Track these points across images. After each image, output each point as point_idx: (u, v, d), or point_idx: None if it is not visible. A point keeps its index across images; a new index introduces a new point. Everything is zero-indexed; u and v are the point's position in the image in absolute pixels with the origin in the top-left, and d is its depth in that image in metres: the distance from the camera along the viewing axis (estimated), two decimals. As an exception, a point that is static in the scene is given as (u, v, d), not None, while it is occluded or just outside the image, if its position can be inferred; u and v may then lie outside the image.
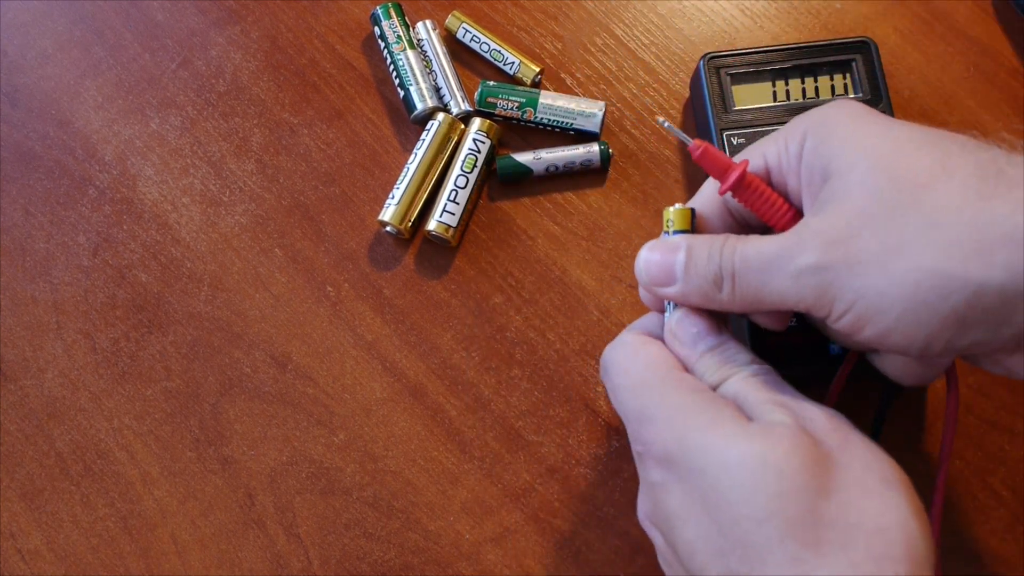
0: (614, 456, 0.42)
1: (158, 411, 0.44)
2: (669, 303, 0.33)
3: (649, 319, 0.34)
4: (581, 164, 0.45)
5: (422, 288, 0.45)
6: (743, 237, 0.30)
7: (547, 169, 0.45)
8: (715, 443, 0.27)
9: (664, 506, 0.29)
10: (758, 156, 0.32)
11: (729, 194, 0.32)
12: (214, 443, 0.43)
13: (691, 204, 0.34)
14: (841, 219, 0.28)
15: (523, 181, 0.46)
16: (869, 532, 0.25)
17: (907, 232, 0.26)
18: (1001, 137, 0.44)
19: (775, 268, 0.29)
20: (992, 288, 0.25)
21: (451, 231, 0.44)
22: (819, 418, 0.29)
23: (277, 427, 0.43)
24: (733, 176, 0.31)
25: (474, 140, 0.45)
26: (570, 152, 0.45)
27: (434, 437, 0.43)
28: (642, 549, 0.40)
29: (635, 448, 0.31)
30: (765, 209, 0.32)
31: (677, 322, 0.32)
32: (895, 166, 0.27)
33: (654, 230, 0.45)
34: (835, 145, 0.29)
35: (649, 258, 0.32)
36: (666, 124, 0.33)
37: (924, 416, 0.41)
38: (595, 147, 0.45)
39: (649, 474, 0.30)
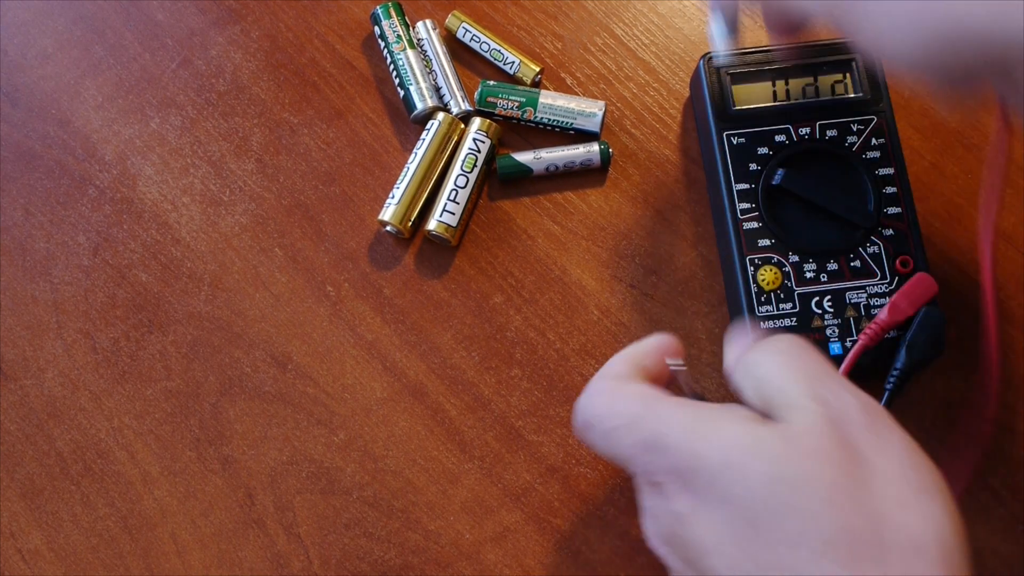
0: (614, 456, 0.42)
1: (158, 411, 0.44)
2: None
3: (616, 364, 0.32)
4: (581, 164, 0.45)
5: (422, 288, 0.45)
6: None
7: (547, 169, 0.45)
8: (736, 462, 0.26)
9: (687, 534, 0.27)
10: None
11: None
12: (214, 443, 0.43)
13: None
14: None
15: (523, 180, 0.46)
16: (906, 549, 0.25)
17: None
18: None
19: None
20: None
21: (451, 231, 0.44)
22: (852, 409, 0.27)
23: (277, 427, 0.43)
24: None
25: (474, 140, 0.45)
26: (570, 152, 0.45)
27: (434, 437, 0.43)
28: (642, 549, 0.40)
29: (652, 480, 0.29)
30: None
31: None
32: None
33: (654, 229, 0.45)
34: None
35: None
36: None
37: (924, 416, 0.41)
38: (595, 146, 0.45)
39: (672, 504, 0.28)
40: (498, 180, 0.46)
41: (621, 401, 0.30)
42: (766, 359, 0.29)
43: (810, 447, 0.26)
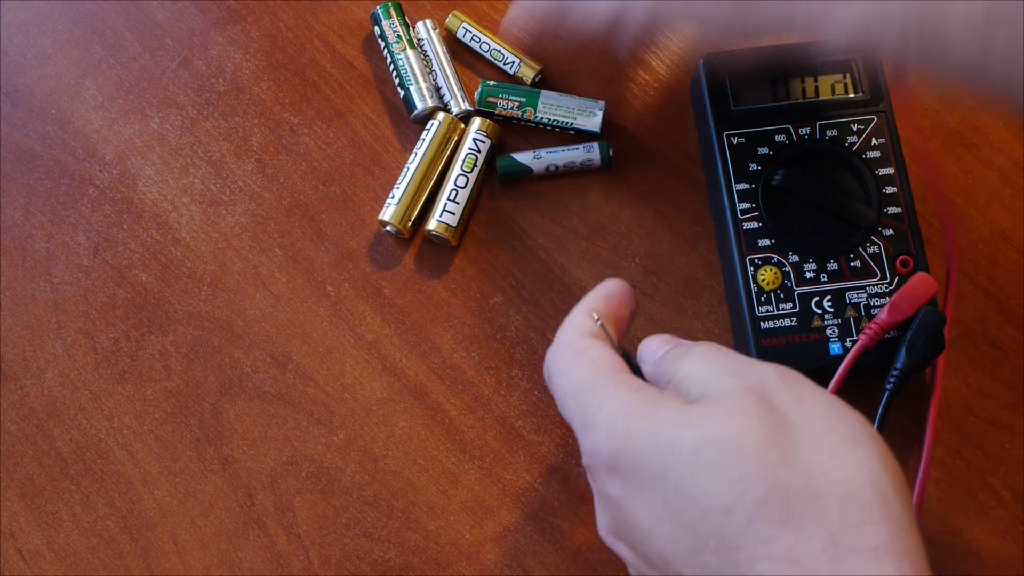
0: (614, 456, 0.42)
1: (158, 411, 0.44)
2: None
3: (578, 313, 0.32)
4: (581, 164, 0.45)
5: (422, 288, 0.45)
6: None
7: (547, 169, 0.45)
8: (662, 439, 0.26)
9: (626, 519, 0.27)
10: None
11: None
12: (214, 443, 0.43)
13: None
14: None
15: (523, 180, 0.46)
16: (841, 498, 0.24)
17: None
18: None
19: None
20: None
21: (451, 231, 0.44)
22: (769, 376, 0.27)
23: (277, 427, 0.43)
24: None
25: (474, 140, 0.45)
26: (570, 152, 0.45)
27: (434, 437, 0.43)
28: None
29: (584, 462, 0.29)
30: None
31: (643, 345, 0.32)
32: None
33: (654, 229, 0.45)
34: None
35: None
36: None
37: (924, 416, 0.41)
38: (595, 146, 0.45)
39: (604, 488, 0.28)
40: (498, 180, 0.46)
41: (575, 365, 0.30)
42: (683, 360, 0.29)
43: (733, 409, 0.26)
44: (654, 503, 0.26)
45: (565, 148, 0.45)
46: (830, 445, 0.25)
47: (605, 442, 0.27)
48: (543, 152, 0.45)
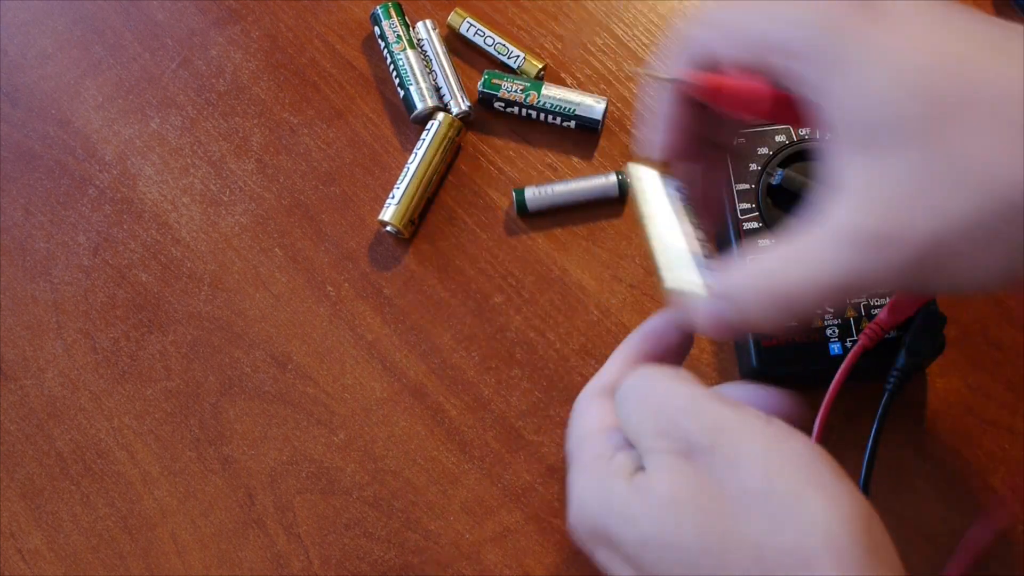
0: (614, 456, 0.42)
1: (158, 411, 0.44)
2: None
3: (604, 373, 0.31)
4: (598, 196, 0.45)
5: (422, 288, 0.45)
6: (782, 263, 0.25)
7: (564, 203, 0.45)
8: (613, 526, 0.25)
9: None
10: (744, 58, 0.27)
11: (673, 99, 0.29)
12: (214, 443, 0.43)
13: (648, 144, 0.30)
14: (912, 223, 0.23)
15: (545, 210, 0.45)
16: (794, 567, 0.22)
17: (990, 225, 0.22)
18: None
19: (851, 291, 0.25)
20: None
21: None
22: (699, 435, 0.25)
23: (277, 427, 0.43)
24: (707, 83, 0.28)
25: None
26: (588, 183, 0.45)
27: (434, 437, 0.43)
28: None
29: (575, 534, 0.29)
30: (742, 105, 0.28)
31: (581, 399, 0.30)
32: (949, 131, 0.23)
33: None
34: (859, 100, 0.24)
35: (696, 317, 0.28)
36: (645, 72, 0.30)
37: (924, 417, 0.41)
38: (612, 177, 0.45)
39: (592, 552, 0.27)
40: (516, 214, 0.45)
41: (575, 428, 0.29)
42: (623, 400, 0.28)
43: (664, 497, 0.24)
44: (624, 567, 0.26)
45: (581, 181, 0.45)
46: (769, 513, 0.23)
47: (575, 518, 0.27)
48: (559, 187, 0.45)
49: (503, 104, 0.46)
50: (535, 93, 0.45)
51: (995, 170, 0.22)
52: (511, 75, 0.46)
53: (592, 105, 0.45)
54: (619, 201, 0.45)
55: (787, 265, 0.25)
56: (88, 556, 0.42)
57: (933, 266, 0.23)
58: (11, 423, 0.44)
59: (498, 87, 0.46)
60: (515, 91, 0.46)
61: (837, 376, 0.36)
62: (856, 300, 0.39)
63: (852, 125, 0.24)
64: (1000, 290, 0.24)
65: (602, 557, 0.27)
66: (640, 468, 0.26)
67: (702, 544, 0.23)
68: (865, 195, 0.24)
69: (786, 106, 0.27)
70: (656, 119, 0.30)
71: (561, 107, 0.45)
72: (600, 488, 0.26)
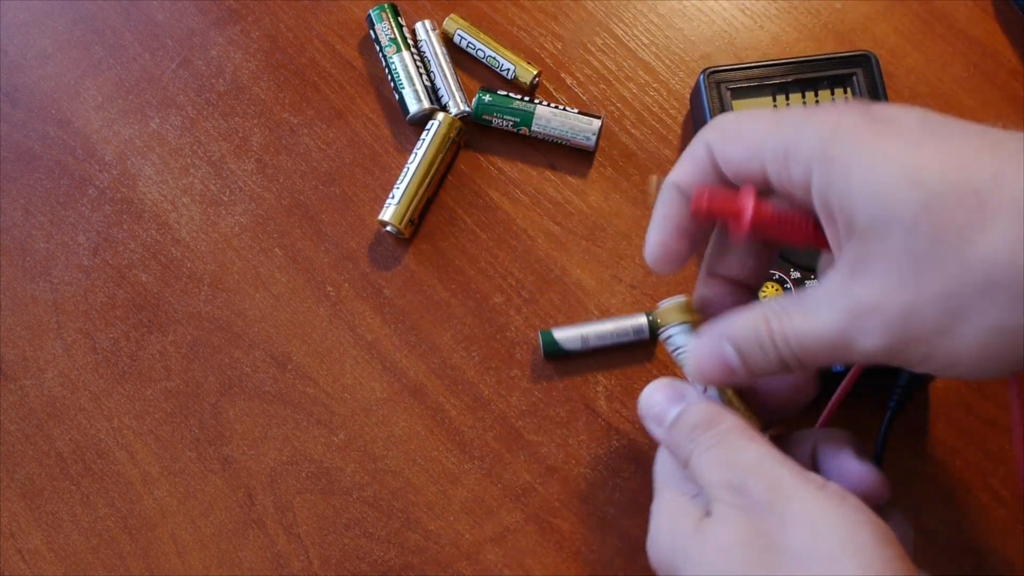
0: (614, 456, 0.42)
1: (158, 411, 0.44)
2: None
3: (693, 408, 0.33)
4: (631, 339, 0.43)
5: (422, 288, 0.45)
6: (781, 312, 0.29)
7: (594, 347, 0.43)
8: (681, 556, 0.29)
9: None
10: (753, 165, 0.30)
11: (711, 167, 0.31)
12: (214, 443, 0.43)
13: (669, 191, 0.32)
14: (892, 294, 0.26)
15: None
16: None
17: (964, 298, 0.25)
18: None
19: (839, 350, 0.28)
20: None
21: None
22: (757, 491, 0.28)
23: (277, 427, 0.43)
24: (747, 215, 0.29)
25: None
26: (618, 325, 0.43)
27: (434, 437, 0.43)
28: (642, 549, 0.40)
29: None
30: (785, 233, 0.30)
31: (643, 403, 0.33)
32: (933, 217, 0.25)
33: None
34: (854, 192, 0.27)
35: (698, 368, 0.31)
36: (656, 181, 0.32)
37: (925, 417, 0.41)
38: (642, 319, 0.43)
39: None
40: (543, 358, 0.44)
41: (662, 465, 0.33)
42: (699, 453, 0.31)
43: (722, 545, 0.28)
44: None
45: (609, 323, 0.43)
46: (807, 570, 0.26)
47: (651, 548, 0.31)
48: (590, 331, 0.43)
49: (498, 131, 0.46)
50: (526, 128, 0.45)
51: (976, 249, 0.25)
52: (503, 102, 0.46)
53: (584, 128, 0.45)
54: (651, 342, 0.43)
55: (792, 310, 0.29)
56: (88, 556, 0.42)
57: (912, 337, 0.26)
58: (11, 423, 0.44)
59: (489, 121, 0.46)
60: (506, 126, 0.46)
61: (838, 392, 0.36)
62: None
63: (855, 215, 0.27)
64: (983, 373, 0.27)
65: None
66: (708, 513, 0.29)
67: None
68: (860, 270, 0.27)
69: (802, 227, 0.30)
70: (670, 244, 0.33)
71: (553, 139, 0.46)
72: (672, 528, 0.30)
